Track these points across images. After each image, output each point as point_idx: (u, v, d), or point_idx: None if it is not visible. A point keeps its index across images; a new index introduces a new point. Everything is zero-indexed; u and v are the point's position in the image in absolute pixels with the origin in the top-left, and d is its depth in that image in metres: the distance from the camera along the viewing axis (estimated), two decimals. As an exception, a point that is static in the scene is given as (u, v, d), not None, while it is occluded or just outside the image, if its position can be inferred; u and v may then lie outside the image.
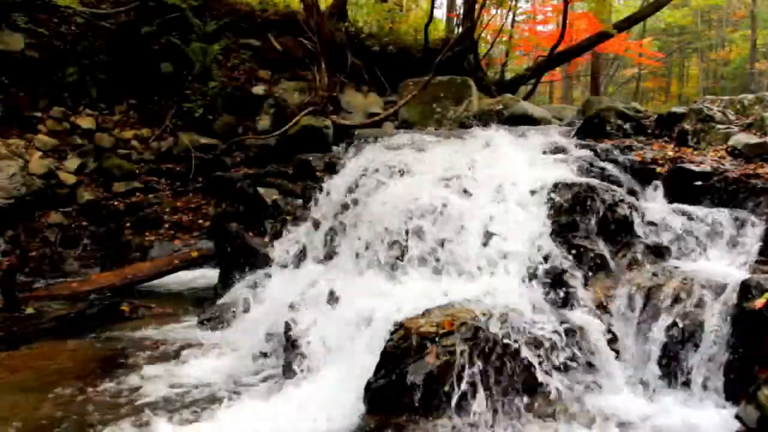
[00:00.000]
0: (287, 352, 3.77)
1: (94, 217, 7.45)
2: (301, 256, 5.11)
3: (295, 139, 7.75)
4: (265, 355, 4.03)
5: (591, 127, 5.74)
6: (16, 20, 7.66)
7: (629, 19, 12.29)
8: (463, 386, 2.96)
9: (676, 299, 3.32)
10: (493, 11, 12.64)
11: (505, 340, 3.09)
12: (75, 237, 7.16)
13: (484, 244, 4.07)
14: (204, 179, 8.10)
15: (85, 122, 8.14)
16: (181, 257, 6.48)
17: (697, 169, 4.38)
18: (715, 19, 26.57)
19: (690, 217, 3.98)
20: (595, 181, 4.25)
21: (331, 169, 5.85)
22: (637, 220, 3.94)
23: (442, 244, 4.18)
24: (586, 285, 3.69)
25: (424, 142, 5.68)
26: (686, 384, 3.15)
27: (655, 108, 15.15)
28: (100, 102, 8.40)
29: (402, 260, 4.28)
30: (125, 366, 3.91)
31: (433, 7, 11.31)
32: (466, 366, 2.97)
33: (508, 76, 13.14)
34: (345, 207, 4.97)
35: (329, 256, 4.90)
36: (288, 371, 3.63)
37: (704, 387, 3.09)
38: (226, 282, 5.38)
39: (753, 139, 4.69)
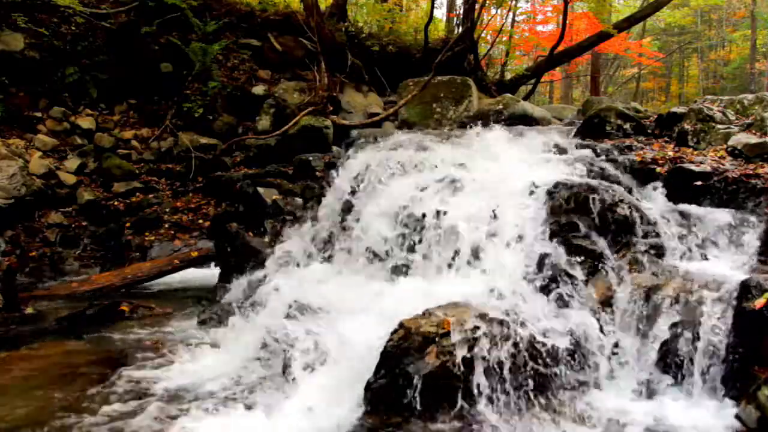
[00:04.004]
0: (286, 352, 3.77)
1: (94, 217, 7.47)
2: (301, 255, 5.11)
3: (295, 139, 7.73)
4: (264, 355, 4.03)
5: (591, 127, 5.75)
6: (16, 20, 7.67)
7: (629, 19, 12.28)
8: (463, 386, 2.96)
9: (676, 299, 3.32)
10: (493, 11, 12.62)
11: (506, 340, 3.09)
12: (75, 237, 7.17)
13: (485, 244, 4.08)
14: (204, 179, 8.10)
15: (85, 122, 8.15)
16: (181, 257, 6.49)
17: (697, 169, 4.39)
18: (715, 19, 26.56)
19: (690, 217, 3.99)
20: (595, 181, 4.26)
21: (332, 168, 5.85)
22: (637, 220, 3.94)
23: (442, 244, 4.20)
24: (586, 285, 3.69)
25: (424, 142, 5.68)
26: (686, 384, 3.15)
27: (655, 108, 15.16)
28: (100, 102, 8.41)
29: (402, 260, 4.29)
30: (125, 366, 3.90)
31: (433, 7, 11.30)
32: (466, 366, 2.97)
33: (508, 76, 13.12)
34: (346, 207, 4.98)
35: (329, 255, 4.90)
36: (287, 371, 3.62)
37: (704, 387, 3.09)
38: (226, 282, 5.38)
39: (753, 139, 4.69)
